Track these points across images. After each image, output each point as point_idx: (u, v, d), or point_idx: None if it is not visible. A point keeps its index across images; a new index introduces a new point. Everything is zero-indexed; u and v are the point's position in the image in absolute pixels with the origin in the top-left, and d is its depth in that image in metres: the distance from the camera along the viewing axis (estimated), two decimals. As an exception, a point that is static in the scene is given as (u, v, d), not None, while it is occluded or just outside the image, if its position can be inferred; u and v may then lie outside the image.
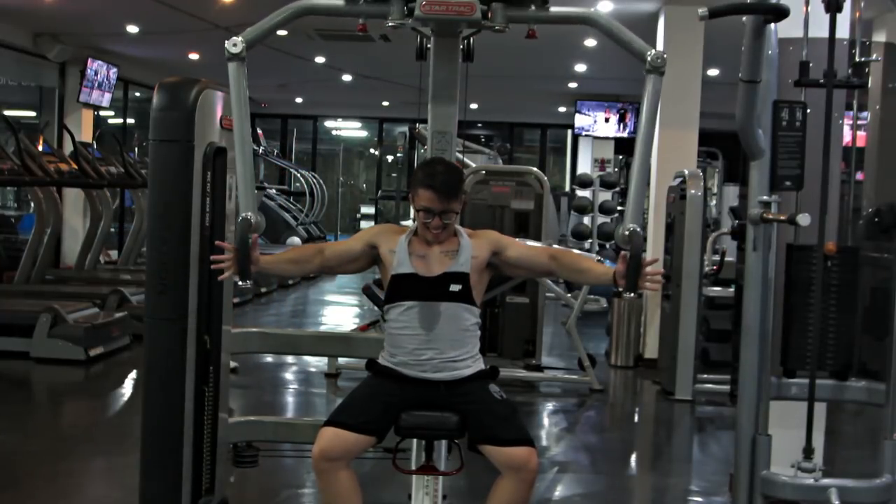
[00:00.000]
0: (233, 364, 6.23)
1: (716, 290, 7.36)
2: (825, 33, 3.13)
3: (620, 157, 14.97)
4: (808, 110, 3.25)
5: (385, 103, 16.64)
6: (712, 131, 10.10)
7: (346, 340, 4.43)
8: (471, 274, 2.98)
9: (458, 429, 2.91)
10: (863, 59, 3.41)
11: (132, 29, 10.14)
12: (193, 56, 11.73)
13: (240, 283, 2.93)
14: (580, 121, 14.77)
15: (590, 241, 13.23)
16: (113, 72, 11.64)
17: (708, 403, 6.68)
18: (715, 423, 6.41)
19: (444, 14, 2.91)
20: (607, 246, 12.69)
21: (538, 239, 6.91)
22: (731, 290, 6.62)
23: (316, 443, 2.84)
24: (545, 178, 7.45)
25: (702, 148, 9.38)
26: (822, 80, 3.18)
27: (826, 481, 3.23)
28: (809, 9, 3.30)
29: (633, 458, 5.67)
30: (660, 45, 7.82)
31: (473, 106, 14.77)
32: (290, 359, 7.58)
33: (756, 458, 3.31)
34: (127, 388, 6.84)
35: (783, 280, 3.37)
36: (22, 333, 7.19)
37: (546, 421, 6.33)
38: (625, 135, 14.59)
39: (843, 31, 3.40)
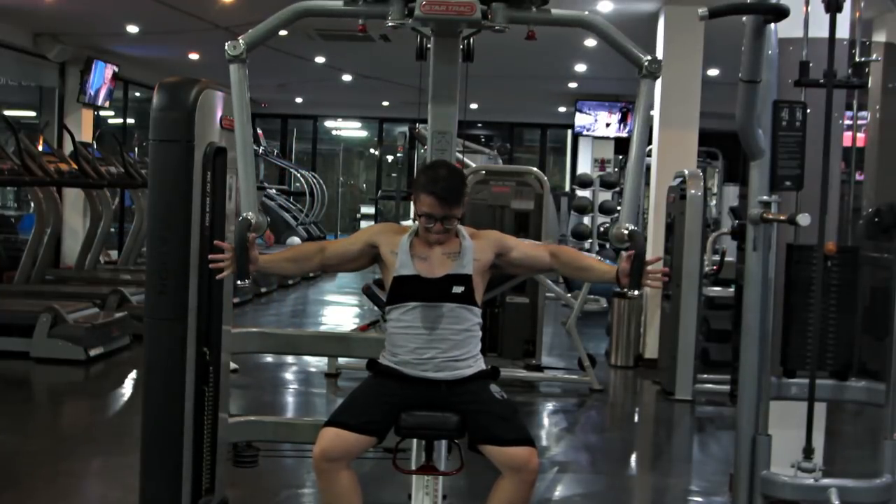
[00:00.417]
0: (234, 366, 6.24)
1: (716, 290, 7.35)
2: (825, 33, 3.13)
3: (620, 157, 14.97)
4: (808, 110, 3.25)
5: (385, 103, 16.64)
6: (712, 131, 10.10)
7: (346, 340, 4.42)
8: (473, 276, 2.98)
9: (458, 429, 2.91)
10: (863, 59, 3.41)
11: (132, 29, 10.14)
12: (193, 56, 11.73)
13: (238, 282, 2.93)
14: (581, 120, 14.75)
15: (590, 241, 13.23)
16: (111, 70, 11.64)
17: (708, 403, 6.68)
18: (715, 423, 6.41)
19: (444, 14, 2.92)
20: (607, 246, 12.69)
21: (538, 239, 6.91)
22: (731, 290, 6.61)
23: (317, 443, 2.84)
24: (545, 178, 7.45)
25: (702, 148, 9.38)
26: (822, 80, 3.18)
27: (826, 481, 3.23)
28: (809, 9, 3.30)
29: (633, 458, 5.67)
30: (660, 45, 7.82)
31: (473, 106, 14.77)
32: (290, 359, 7.58)
33: (756, 458, 3.31)
34: (127, 388, 6.84)
35: (783, 280, 3.37)
36: (22, 333, 7.20)
37: (546, 421, 6.33)
38: (625, 134, 14.58)
39: (843, 31, 3.40)
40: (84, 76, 11.12)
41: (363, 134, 21.80)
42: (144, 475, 3.39)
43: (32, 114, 12.81)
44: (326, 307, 11.46)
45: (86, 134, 11.29)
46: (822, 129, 3.27)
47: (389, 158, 20.11)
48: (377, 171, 20.18)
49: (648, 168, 7.80)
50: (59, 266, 10.76)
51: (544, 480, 4.74)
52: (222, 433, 3.54)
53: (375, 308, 7.39)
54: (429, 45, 3.38)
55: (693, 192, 6.75)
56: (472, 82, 3.96)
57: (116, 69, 11.65)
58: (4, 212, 13.47)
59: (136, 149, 12.76)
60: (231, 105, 2.93)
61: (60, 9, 9.28)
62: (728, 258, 7.38)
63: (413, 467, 3.14)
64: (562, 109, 16.00)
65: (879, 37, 6.12)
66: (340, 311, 11.01)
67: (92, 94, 11.28)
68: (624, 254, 2.85)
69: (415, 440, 3.12)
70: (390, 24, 2.98)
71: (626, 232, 2.85)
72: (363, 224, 19.52)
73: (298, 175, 16.65)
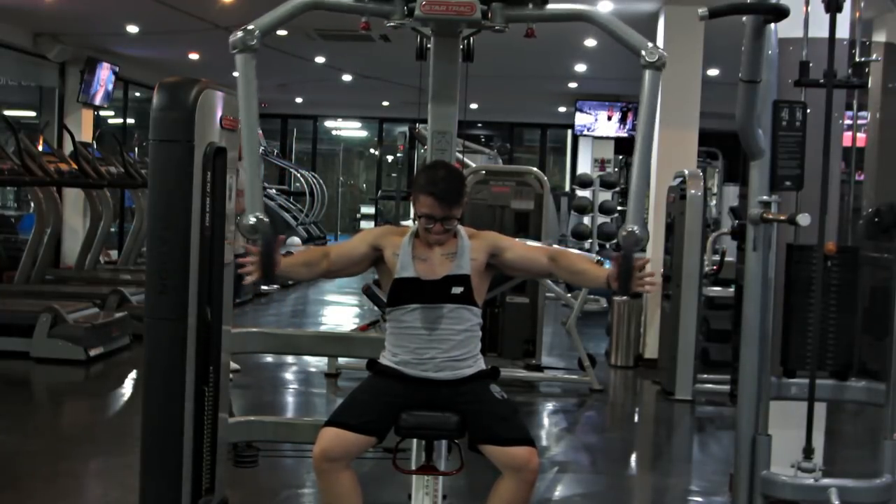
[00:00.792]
0: (236, 366, 6.24)
1: (716, 290, 7.36)
2: (825, 33, 3.13)
3: (620, 157, 14.97)
4: (808, 110, 3.25)
5: (385, 103, 16.64)
6: (712, 131, 10.10)
7: (346, 340, 4.43)
8: (471, 275, 2.98)
9: (458, 429, 2.91)
10: (863, 59, 3.42)
11: (132, 29, 10.14)
12: (193, 56, 11.73)
13: (263, 286, 2.90)
14: (581, 119, 14.74)
15: (590, 241, 13.22)
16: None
17: (708, 403, 6.68)
18: (715, 423, 6.41)
19: (444, 14, 2.91)
20: (607, 246, 12.69)
21: (538, 239, 6.91)
22: (731, 290, 6.61)
23: (317, 443, 2.84)
24: (545, 178, 7.45)
25: (702, 148, 9.38)
26: (822, 80, 3.18)
27: (826, 481, 3.23)
28: (809, 9, 3.30)
29: (633, 458, 5.67)
30: (660, 46, 7.80)
31: (473, 106, 14.77)
32: (290, 359, 7.58)
33: (756, 458, 3.31)
34: (127, 388, 6.84)
35: (783, 280, 3.37)
36: (22, 333, 7.19)
37: (546, 421, 6.33)
38: (625, 134, 14.58)
39: (843, 31, 3.40)
40: (84, 76, 11.12)
41: (363, 134, 21.80)
42: (144, 475, 3.38)
43: (32, 114, 12.81)
44: (326, 307, 11.46)
45: (86, 134, 11.29)
46: (822, 129, 3.27)
47: (389, 158, 20.12)
48: (377, 171, 20.18)
49: (649, 169, 7.79)
50: (59, 266, 10.76)
51: (544, 480, 4.74)
52: (222, 433, 3.54)
53: (375, 308, 7.40)
54: (429, 45, 3.38)
55: (693, 192, 6.75)
56: (472, 82, 3.96)
57: (117, 69, 11.65)
58: (4, 212, 13.46)
59: (136, 149, 12.76)
60: (232, 105, 2.90)
61: (60, 9, 9.29)
62: (728, 258, 7.39)
63: (413, 467, 3.14)
64: (562, 109, 16.00)
65: (879, 37, 6.12)
66: (340, 311, 11.01)
67: (95, 93, 11.29)
68: (613, 256, 2.85)
69: (415, 440, 3.12)
70: (390, 23, 2.98)
71: (624, 234, 2.83)
72: (363, 224, 19.55)
73: (298, 175, 16.64)
